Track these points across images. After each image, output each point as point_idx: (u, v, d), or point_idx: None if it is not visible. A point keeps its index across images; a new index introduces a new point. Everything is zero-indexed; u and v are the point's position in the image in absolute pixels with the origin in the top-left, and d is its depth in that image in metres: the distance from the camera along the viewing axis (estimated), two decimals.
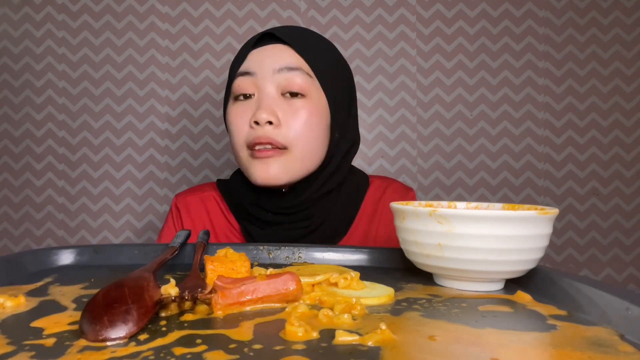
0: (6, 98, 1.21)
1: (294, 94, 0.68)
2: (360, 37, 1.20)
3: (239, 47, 1.20)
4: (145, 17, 1.20)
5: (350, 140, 0.75)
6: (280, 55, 0.68)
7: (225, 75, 1.20)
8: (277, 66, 0.67)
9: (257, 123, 0.66)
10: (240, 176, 0.77)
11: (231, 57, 1.20)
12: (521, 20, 1.19)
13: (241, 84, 0.69)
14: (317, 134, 0.69)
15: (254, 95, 0.69)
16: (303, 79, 0.67)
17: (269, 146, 0.66)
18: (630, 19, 1.19)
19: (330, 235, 0.74)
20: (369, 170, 1.20)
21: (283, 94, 0.68)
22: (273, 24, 1.20)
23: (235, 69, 0.71)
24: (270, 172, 0.67)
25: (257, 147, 0.67)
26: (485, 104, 1.20)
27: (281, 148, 0.67)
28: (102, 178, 1.21)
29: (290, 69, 0.67)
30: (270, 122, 0.66)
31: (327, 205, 0.74)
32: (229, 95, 0.73)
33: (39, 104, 1.21)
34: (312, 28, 1.19)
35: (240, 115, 0.69)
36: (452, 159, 1.20)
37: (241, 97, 0.70)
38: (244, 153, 0.69)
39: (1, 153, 1.22)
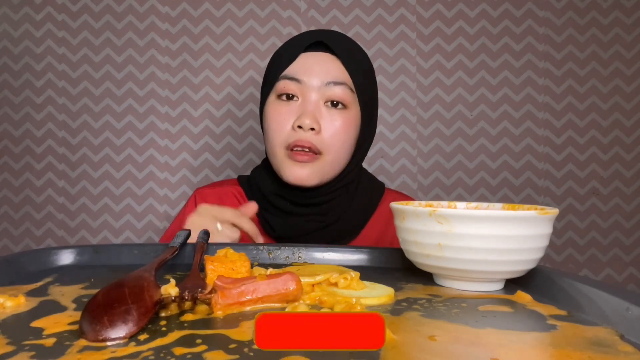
0: (6, 98, 1.21)
1: (334, 104, 0.73)
2: (360, 37, 1.20)
3: (239, 47, 1.20)
4: (145, 17, 1.20)
5: (369, 140, 0.82)
6: (329, 68, 0.73)
7: (225, 76, 1.20)
8: (325, 79, 0.72)
9: (300, 127, 0.71)
10: (264, 169, 0.81)
11: (231, 57, 1.20)
12: (521, 20, 1.19)
13: (287, 87, 0.73)
14: (349, 142, 0.75)
15: (297, 97, 0.73)
16: (346, 93, 0.73)
17: (307, 149, 0.72)
18: (630, 19, 1.19)
19: (342, 233, 0.78)
20: (369, 170, 1.20)
21: (325, 102, 0.73)
22: (273, 24, 1.19)
23: (280, 68, 0.74)
24: (304, 175, 0.72)
25: (295, 149, 0.72)
26: (485, 104, 1.20)
27: (317, 153, 0.72)
28: (102, 178, 1.21)
29: (337, 83, 0.72)
30: (312, 129, 0.71)
31: (342, 203, 0.78)
32: (269, 91, 0.76)
33: (39, 104, 1.21)
34: (312, 28, 1.18)
35: (283, 116, 0.73)
36: (452, 159, 1.20)
37: (284, 97, 0.74)
38: (280, 152, 0.74)
39: (1, 153, 1.22)
